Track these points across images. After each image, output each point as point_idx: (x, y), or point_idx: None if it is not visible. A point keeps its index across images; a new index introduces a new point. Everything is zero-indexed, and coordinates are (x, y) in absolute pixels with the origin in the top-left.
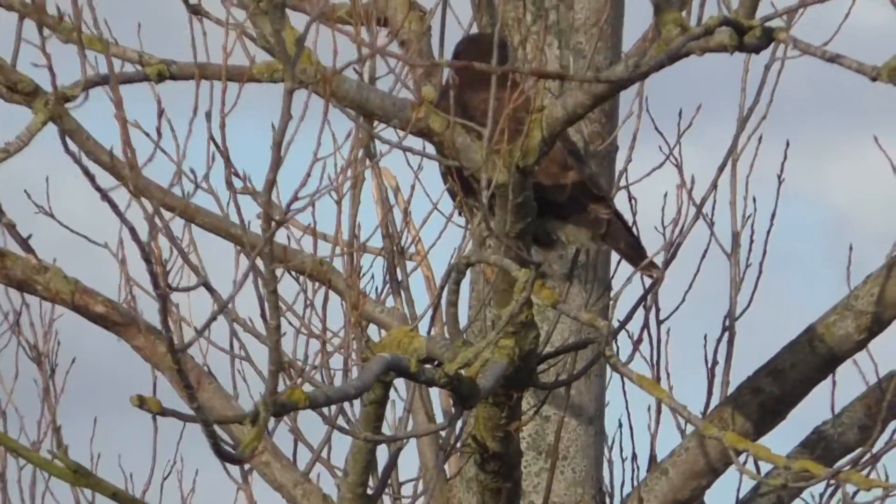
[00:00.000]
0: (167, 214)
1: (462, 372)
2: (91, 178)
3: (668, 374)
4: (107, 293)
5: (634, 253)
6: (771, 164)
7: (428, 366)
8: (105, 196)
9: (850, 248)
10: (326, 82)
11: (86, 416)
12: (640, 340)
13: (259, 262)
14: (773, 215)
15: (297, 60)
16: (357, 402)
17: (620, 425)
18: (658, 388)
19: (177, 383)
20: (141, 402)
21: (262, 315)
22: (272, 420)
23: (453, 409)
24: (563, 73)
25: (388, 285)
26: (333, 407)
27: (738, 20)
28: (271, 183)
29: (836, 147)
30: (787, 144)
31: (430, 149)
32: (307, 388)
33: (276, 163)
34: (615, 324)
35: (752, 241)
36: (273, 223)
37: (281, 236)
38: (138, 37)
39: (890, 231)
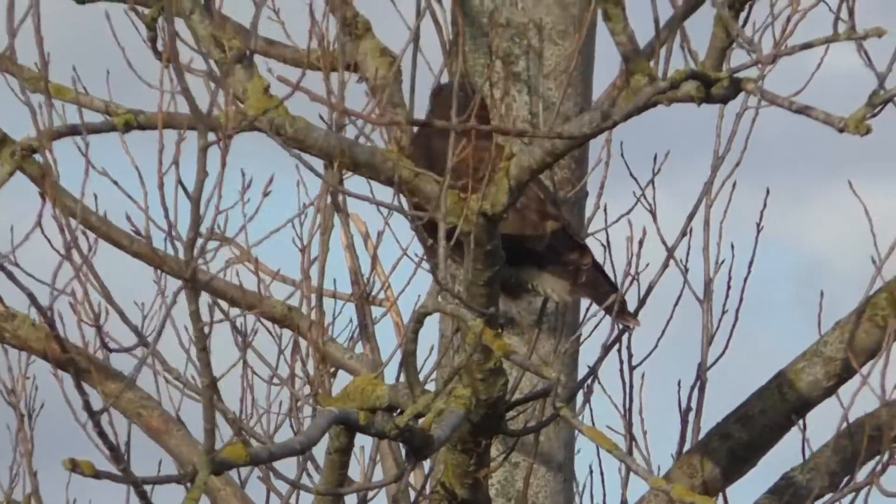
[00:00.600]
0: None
1: (416, 423)
2: None
3: (641, 420)
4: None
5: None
6: (747, 209)
7: (379, 417)
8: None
9: (822, 295)
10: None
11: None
12: (591, 392)
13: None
14: (751, 263)
15: (210, 116)
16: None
17: (591, 472)
18: (607, 441)
19: (100, 445)
20: (74, 466)
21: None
22: (245, 469)
23: (406, 462)
24: (525, 129)
25: (357, 331)
26: (301, 457)
27: (705, 72)
28: (192, 241)
29: (812, 193)
30: (768, 192)
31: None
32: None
33: (196, 221)
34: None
35: (728, 288)
36: (193, 285)
37: (250, 282)
38: (107, 84)
39: (864, 277)
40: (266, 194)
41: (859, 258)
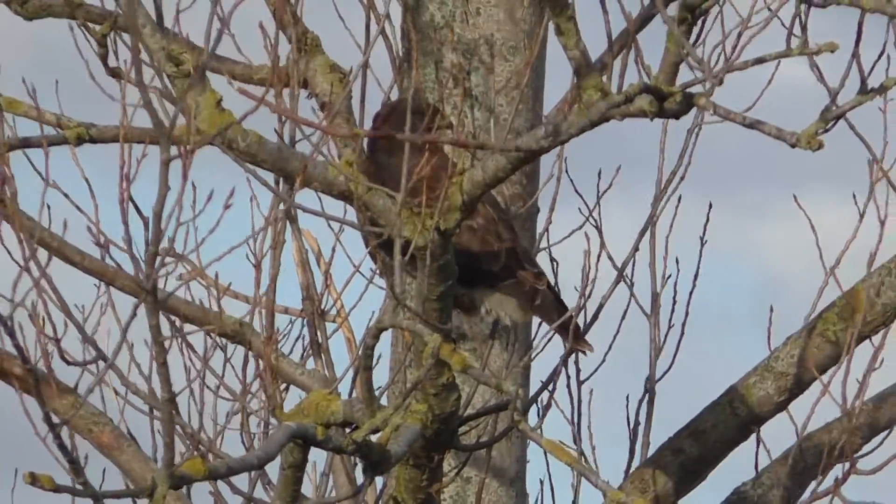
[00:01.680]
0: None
1: (372, 438)
2: None
3: (590, 434)
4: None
5: (567, 329)
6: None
7: (336, 432)
8: None
9: (771, 310)
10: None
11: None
12: (548, 406)
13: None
14: (696, 276)
15: (172, 131)
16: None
17: (542, 483)
18: (566, 454)
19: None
20: (33, 480)
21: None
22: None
23: (363, 476)
24: (482, 142)
25: (308, 347)
26: (253, 472)
27: (658, 87)
28: (153, 256)
29: (773, 207)
30: (710, 206)
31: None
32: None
33: (157, 235)
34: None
35: (674, 303)
36: (154, 299)
37: (202, 296)
38: (57, 96)
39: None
40: (227, 207)
41: (819, 272)
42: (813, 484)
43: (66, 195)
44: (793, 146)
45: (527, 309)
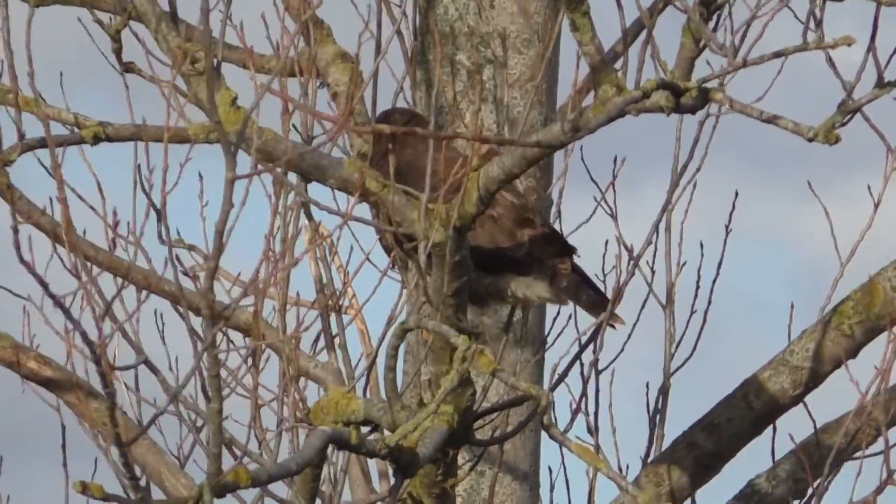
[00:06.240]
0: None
1: (402, 442)
2: (44, 285)
3: (611, 420)
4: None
5: (596, 305)
6: (747, 214)
7: (368, 437)
8: (57, 302)
9: (792, 307)
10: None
11: None
12: (578, 409)
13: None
14: (720, 265)
15: (238, 148)
16: None
17: (553, 484)
18: (596, 458)
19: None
20: (84, 488)
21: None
22: None
23: (392, 480)
24: (503, 138)
25: (322, 340)
26: None
27: (675, 83)
28: (213, 271)
29: (819, 191)
30: (736, 195)
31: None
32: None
33: (218, 251)
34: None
35: (697, 288)
36: (215, 316)
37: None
38: (61, 91)
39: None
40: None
41: (858, 260)
42: (848, 493)
43: (79, 196)
44: (810, 140)
45: (555, 291)
